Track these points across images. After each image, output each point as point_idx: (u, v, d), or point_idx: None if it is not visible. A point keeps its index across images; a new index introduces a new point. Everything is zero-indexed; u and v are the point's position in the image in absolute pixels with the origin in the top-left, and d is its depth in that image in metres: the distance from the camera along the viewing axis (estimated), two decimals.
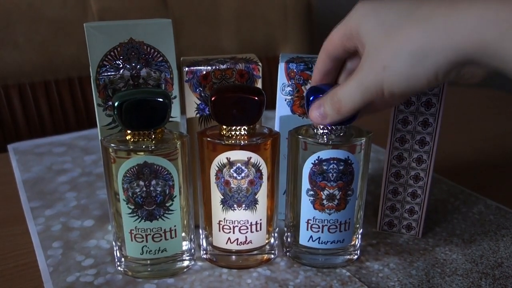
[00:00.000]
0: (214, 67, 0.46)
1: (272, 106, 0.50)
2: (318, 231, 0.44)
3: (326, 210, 0.43)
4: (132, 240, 0.42)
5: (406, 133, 0.46)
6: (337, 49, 0.39)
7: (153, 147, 0.40)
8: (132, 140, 0.41)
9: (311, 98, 0.40)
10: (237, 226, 0.44)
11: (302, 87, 0.47)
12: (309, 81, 0.47)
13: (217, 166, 0.42)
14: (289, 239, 0.47)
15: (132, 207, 0.41)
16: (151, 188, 0.41)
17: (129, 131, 0.41)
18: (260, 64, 0.47)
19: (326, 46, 0.40)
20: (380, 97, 0.35)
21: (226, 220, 0.44)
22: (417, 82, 0.33)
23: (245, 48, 1.07)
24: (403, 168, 0.47)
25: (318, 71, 0.41)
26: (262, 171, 0.42)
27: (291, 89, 0.48)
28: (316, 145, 0.41)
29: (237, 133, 0.42)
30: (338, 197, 0.43)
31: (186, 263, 0.45)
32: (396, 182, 0.48)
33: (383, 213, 0.50)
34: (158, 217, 0.42)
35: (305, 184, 0.43)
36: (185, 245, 0.45)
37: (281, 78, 0.48)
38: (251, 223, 0.44)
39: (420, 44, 0.32)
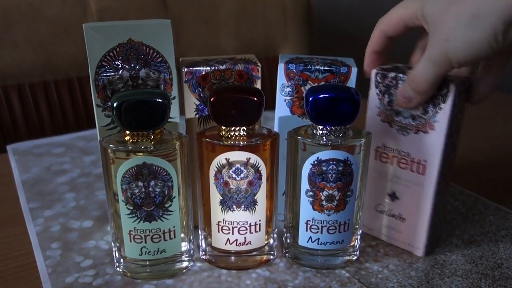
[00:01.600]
0: (213, 68, 0.46)
1: (271, 106, 0.50)
2: (317, 232, 0.44)
3: (325, 211, 0.43)
4: (131, 241, 0.42)
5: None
6: (397, 28, 0.42)
7: (152, 147, 0.40)
8: (131, 140, 0.41)
9: (310, 99, 0.40)
10: (236, 227, 0.44)
11: (302, 88, 0.47)
12: (309, 81, 0.47)
13: (216, 167, 0.42)
14: (288, 240, 0.47)
15: (131, 208, 0.41)
16: (150, 189, 0.41)
17: (128, 132, 0.41)
18: (259, 64, 0.47)
19: (383, 26, 0.43)
20: (450, 68, 0.38)
21: (225, 221, 0.44)
22: (479, 46, 0.35)
23: (245, 48, 1.07)
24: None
25: (373, 51, 0.45)
26: (261, 171, 0.42)
27: (290, 89, 0.48)
28: (316, 146, 0.41)
29: (236, 133, 0.42)
30: (337, 198, 0.42)
31: (185, 264, 0.45)
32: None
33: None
34: (157, 218, 0.42)
35: (304, 184, 0.43)
36: (184, 246, 0.44)
37: (281, 78, 0.47)
38: (250, 224, 0.44)
39: (474, 9, 0.35)
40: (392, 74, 0.43)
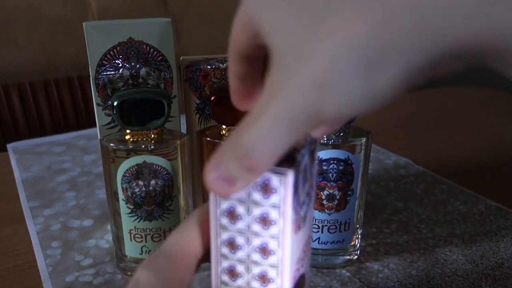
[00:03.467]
0: (213, 67, 0.46)
1: None
2: (318, 231, 0.44)
3: (326, 210, 0.43)
4: (131, 240, 0.42)
5: None
6: (244, 45, 0.25)
7: (152, 146, 0.40)
8: (131, 139, 0.41)
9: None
10: None
11: None
12: None
13: None
14: None
15: (132, 207, 0.41)
16: (151, 188, 0.41)
17: (128, 131, 0.41)
18: None
19: (231, 41, 0.26)
20: (317, 127, 0.22)
21: None
22: (377, 98, 0.20)
23: None
24: None
25: (234, 76, 0.27)
26: None
27: None
28: None
29: None
30: (338, 197, 0.42)
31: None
32: None
33: None
34: (157, 217, 0.42)
35: None
36: None
37: None
38: None
39: (377, 33, 0.18)
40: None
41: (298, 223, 0.24)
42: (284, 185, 0.22)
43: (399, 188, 0.60)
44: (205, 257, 0.26)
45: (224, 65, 0.46)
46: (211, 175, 0.22)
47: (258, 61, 0.26)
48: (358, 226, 0.45)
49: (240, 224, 0.23)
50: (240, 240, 0.24)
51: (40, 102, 0.92)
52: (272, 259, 0.23)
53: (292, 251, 0.23)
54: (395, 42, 0.18)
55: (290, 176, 0.22)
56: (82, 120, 0.96)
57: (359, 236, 0.46)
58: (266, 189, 0.22)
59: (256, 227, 0.23)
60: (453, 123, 0.85)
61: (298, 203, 0.23)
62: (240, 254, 0.24)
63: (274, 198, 0.22)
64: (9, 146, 0.73)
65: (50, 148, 0.72)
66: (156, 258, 0.25)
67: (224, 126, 0.42)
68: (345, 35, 0.19)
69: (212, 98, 0.41)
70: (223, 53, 0.49)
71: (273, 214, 0.22)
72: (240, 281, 0.24)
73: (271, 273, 0.24)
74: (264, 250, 0.23)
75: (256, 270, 0.24)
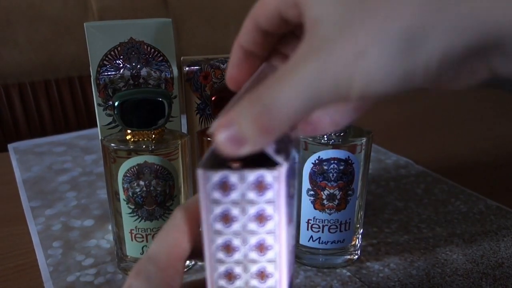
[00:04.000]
0: (214, 67, 0.46)
1: None
2: (319, 231, 0.44)
3: (326, 210, 0.43)
4: (132, 240, 0.42)
5: None
6: (271, 18, 0.25)
7: (153, 147, 0.40)
8: (132, 140, 0.41)
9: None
10: None
11: None
12: None
13: None
14: None
15: (133, 207, 0.41)
16: (151, 188, 0.41)
17: (129, 131, 0.41)
18: None
19: (255, 11, 0.26)
20: (340, 102, 0.22)
21: None
22: (408, 77, 0.20)
23: None
24: None
25: (240, 45, 0.27)
26: None
27: None
28: (317, 145, 0.41)
29: None
30: (338, 197, 0.43)
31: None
32: None
33: None
34: (158, 217, 0.42)
35: (306, 184, 0.43)
36: None
37: None
38: None
39: (419, 15, 0.19)
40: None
41: (290, 215, 0.24)
42: (278, 180, 0.22)
43: (399, 188, 0.60)
44: (194, 253, 0.26)
45: (225, 65, 0.46)
46: (222, 135, 0.22)
47: (270, 39, 0.26)
48: (358, 225, 0.45)
49: (235, 226, 0.23)
50: (236, 242, 0.23)
51: (40, 102, 0.92)
52: (269, 254, 0.23)
53: (287, 243, 0.23)
54: (439, 21, 0.19)
55: (284, 169, 0.22)
56: (83, 120, 0.96)
57: (360, 236, 0.46)
58: (261, 186, 0.22)
59: (252, 225, 0.23)
60: (453, 123, 0.85)
61: (289, 196, 0.23)
62: (237, 255, 0.24)
63: (269, 194, 0.22)
64: (10, 146, 0.73)
65: (51, 148, 0.72)
66: (145, 265, 0.25)
67: None
68: (391, 9, 0.20)
69: (213, 98, 0.41)
70: (223, 53, 0.49)
71: (269, 210, 0.23)
72: (238, 283, 0.24)
73: (269, 268, 0.24)
74: (261, 247, 0.23)
75: (253, 268, 0.24)
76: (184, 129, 0.49)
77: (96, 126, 0.46)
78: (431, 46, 0.20)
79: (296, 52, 0.21)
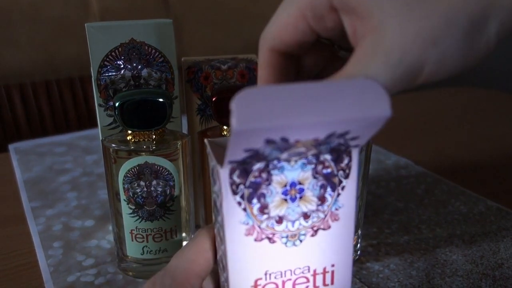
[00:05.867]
0: (215, 68, 0.46)
1: None
2: None
3: None
4: (132, 240, 0.43)
5: None
6: (295, 35, 0.26)
7: (153, 147, 0.40)
8: (133, 140, 0.41)
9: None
10: None
11: None
12: None
13: None
14: None
15: (133, 207, 0.41)
16: (152, 189, 0.41)
17: (130, 131, 0.41)
18: None
19: (273, 36, 0.26)
20: (410, 84, 0.24)
21: None
22: (474, 54, 0.23)
23: (246, 48, 1.07)
24: None
25: (268, 65, 0.27)
26: None
27: None
28: None
29: None
30: None
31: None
32: None
33: None
34: (158, 217, 0.42)
35: None
36: None
37: None
38: None
39: (479, 1, 0.22)
40: (259, 165, 0.24)
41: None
42: (219, 177, 0.24)
43: (399, 188, 0.60)
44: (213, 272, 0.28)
45: (226, 66, 0.46)
46: None
47: (291, 62, 0.27)
48: (358, 226, 0.45)
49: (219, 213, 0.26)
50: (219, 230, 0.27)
51: (41, 103, 0.92)
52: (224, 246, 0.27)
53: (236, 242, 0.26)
54: (497, 4, 0.22)
55: (223, 172, 0.24)
56: (84, 121, 0.96)
57: (360, 237, 0.46)
58: (216, 176, 0.25)
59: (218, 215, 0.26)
60: (453, 123, 0.85)
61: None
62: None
63: (218, 185, 0.25)
64: (11, 146, 0.74)
65: (51, 148, 0.73)
66: (162, 277, 0.26)
67: (225, 127, 0.42)
68: (457, 1, 0.22)
69: (213, 98, 0.41)
70: (224, 54, 0.49)
71: (218, 202, 0.26)
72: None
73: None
74: (221, 239, 0.26)
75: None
76: (185, 130, 0.49)
77: (97, 126, 0.46)
78: (492, 25, 0.22)
79: (358, 50, 0.23)
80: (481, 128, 0.82)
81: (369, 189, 0.58)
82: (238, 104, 0.20)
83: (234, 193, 0.24)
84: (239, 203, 0.25)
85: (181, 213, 0.43)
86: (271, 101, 0.20)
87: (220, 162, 0.24)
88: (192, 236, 0.45)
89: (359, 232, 0.46)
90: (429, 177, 0.63)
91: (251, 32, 1.09)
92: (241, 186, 0.24)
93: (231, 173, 0.24)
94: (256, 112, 0.20)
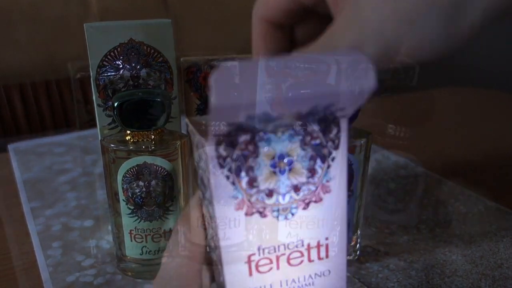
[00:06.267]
0: (214, 67, 0.46)
1: None
2: None
3: None
4: (132, 240, 0.42)
5: None
6: (282, 4, 0.26)
7: (153, 147, 0.40)
8: (131, 140, 0.41)
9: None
10: None
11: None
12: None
13: None
14: None
15: (132, 207, 0.41)
16: (151, 189, 0.41)
17: (128, 132, 0.41)
18: None
19: (263, 6, 0.27)
20: (388, 60, 0.23)
21: None
22: (456, 36, 0.23)
23: (246, 48, 1.07)
24: None
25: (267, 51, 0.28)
26: None
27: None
28: None
29: None
30: None
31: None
32: None
33: None
34: (157, 217, 0.42)
35: None
36: None
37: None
38: None
39: None
40: (245, 137, 0.24)
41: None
42: (205, 152, 0.25)
43: (399, 188, 0.60)
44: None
45: None
46: None
47: (285, 33, 0.28)
48: (358, 226, 0.45)
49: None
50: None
51: (41, 103, 0.92)
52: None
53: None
54: None
55: (209, 147, 0.24)
56: (84, 121, 0.96)
57: (359, 237, 0.46)
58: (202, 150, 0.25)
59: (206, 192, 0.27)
60: (453, 123, 0.85)
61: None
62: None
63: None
64: (10, 146, 0.74)
65: (51, 148, 0.73)
66: (169, 282, 0.27)
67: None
68: None
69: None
70: (223, 54, 0.49)
71: (204, 177, 0.27)
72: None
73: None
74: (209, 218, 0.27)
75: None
76: (184, 130, 0.49)
77: (96, 126, 0.46)
78: (475, 6, 0.22)
79: (335, 21, 0.23)
80: (481, 128, 0.82)
81: (369, 189, 0.58)
82: (217, 80, 0.19)
83: (221, 166, 0.24)
84: (227, 177, 0.24)
85: (180, 213, 0.43)
86: (250, 76, 0.20)
87: (205, 137, 0.23)
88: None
89: (359, 232, 0.46)
90: (429, 177, 0.63)
91: (251, 32, 1.09)
92: (228, 159, 0.24)
93: (217, 146, 0.23)
94: (234, 88, 0.19)
